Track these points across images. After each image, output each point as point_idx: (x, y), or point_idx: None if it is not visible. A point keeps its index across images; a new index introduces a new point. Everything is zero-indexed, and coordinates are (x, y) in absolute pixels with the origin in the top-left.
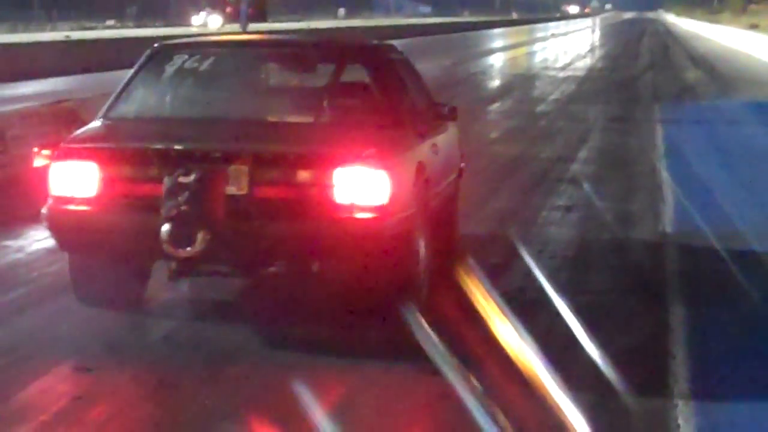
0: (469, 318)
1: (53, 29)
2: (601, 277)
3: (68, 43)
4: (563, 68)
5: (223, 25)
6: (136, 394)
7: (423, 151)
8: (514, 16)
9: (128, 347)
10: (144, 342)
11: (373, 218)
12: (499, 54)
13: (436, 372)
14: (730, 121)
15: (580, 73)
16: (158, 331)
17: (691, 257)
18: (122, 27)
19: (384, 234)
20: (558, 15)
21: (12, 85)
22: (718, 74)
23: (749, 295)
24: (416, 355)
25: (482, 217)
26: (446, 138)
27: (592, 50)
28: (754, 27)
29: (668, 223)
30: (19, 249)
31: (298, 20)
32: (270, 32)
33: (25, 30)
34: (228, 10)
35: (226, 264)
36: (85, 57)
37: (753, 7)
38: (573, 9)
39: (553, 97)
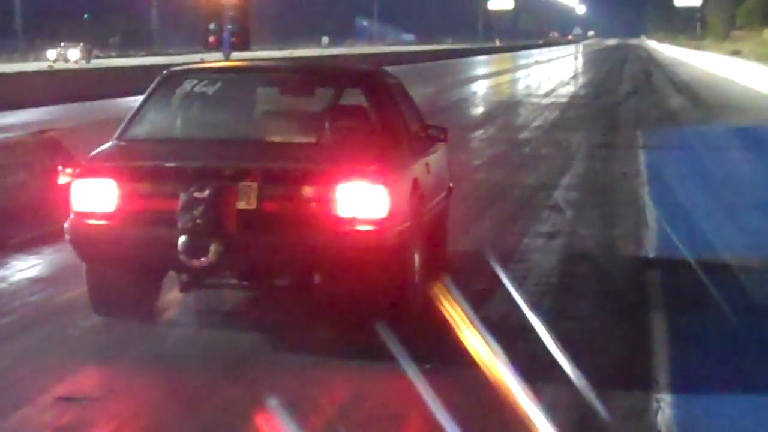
0: (451, 342)
1: (36, 59)
2: (584, 302)
3: (51, 73)
4: (546, 95)
5: (79, 60)
6: (125, 421)
7: (417, 169)
8: (498, 43)
9: (115, 378)
10: (133, 367)
11: (373, 230)
12: (482, 81)
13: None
14: (712, 147)
15: (563, 100)
16: (144, 351)
17: (673, 283)
18: (105, 57)
19: (383, 245)
20: (541, 42)
21: None
22: (701, 100)
23: (732, 321)
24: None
25: (466, 244)
26: (437, 157)
27: (575, 77)
28: (736, 53)
29: (651, 248)
30: (2, 279)
31: (281, 48)
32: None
33: (8, 59)
34: (211, 39)
35: (236, 274)
36: (67, 86)
37: (735, 33)
38: (556, 36)
39: (536, 123)
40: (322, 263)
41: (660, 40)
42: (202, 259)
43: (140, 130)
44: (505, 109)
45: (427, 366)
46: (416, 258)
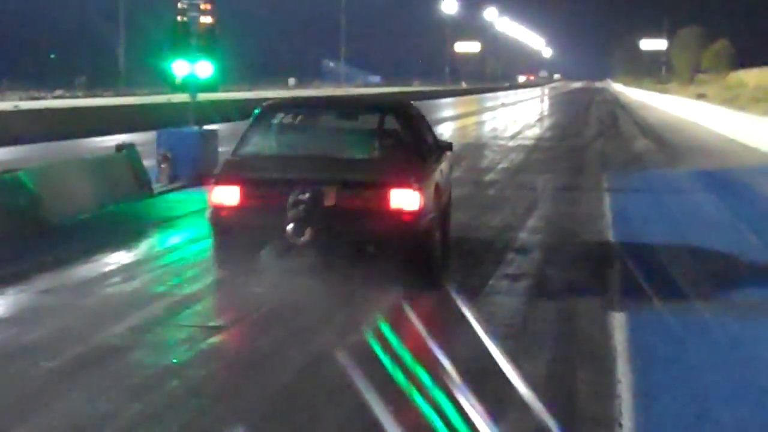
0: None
1: (2, 99)
2: (549, 345)
3: (17, 113)
4: (512, 137)
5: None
6: None
7: (436, 175)
8: (464, 85)
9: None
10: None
11: (412, 219)
12: (448, 123)
13: None
14: (676, 190)
15: (528, 142)
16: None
17: (638, 326)
18: (71, 97)
19: (418, 228)
20: (507, 84)
21: None
22: (666, 143)
23: (698, 366)
24: None
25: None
26: (446, 164)
27: (541, 119)
28: (701, 97)
29: (616, 291)
30: None
31: (248, 89)
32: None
33: None
34: (178, 80)
35: (320, 249)
36: (33, 126)
37: (700, 76)
38: (522, 79)
39: (501, 165)
40: (379, 239)
41: (626, 83)
42: (301, 238)
43: (248, 149)
44: (471, 151)
45: None
46: (437, 236)
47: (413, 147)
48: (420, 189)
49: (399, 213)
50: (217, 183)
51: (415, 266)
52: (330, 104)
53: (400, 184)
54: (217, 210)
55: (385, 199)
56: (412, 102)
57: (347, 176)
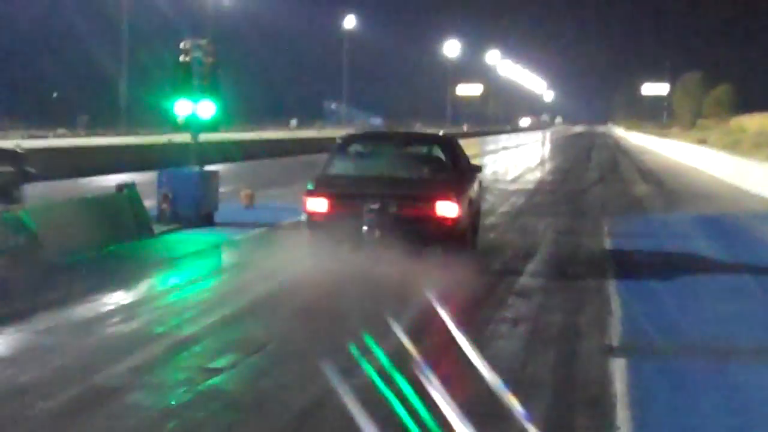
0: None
1: (4, 137)
2: (548, 391)
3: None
4: (513, 181)
5: None
6: None
7: (470, 192)
8: (465, 128)
9: None
10: None
11: (453, 223)
12: None
13: None
14: (676, 235)
15: (529, 186)
16: None
17: (637, 372)
18: (73, 136)
19: (457, 228)
20: (509, 128)
21: None
22: (667, 188)
23: (699, 409)
24: None
25: (432, 330)
26: (477, 183)
27: (542, 163)
28: (702, 142)
29: (615, 336)
30: None
31: (250, 130)
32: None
33: None
34: (179, 120)
35: (387, 244)
36: (34, 165)
37: (701, 121)
38: (524, 122)
39: (502, 209)
40: (430, 237)
41: (627, 128)
42: (373, 237)
43: (332, 170)
44: None
45: None
46: (469, 233)
47: (453, 169)
48: (458, 201)
49: (444, 219)
50: (311, 195)
51: (454, 253)
52: (391, 137)
53: (444, 198)
54: (311, 215)
55: (433, 208)
56: (451, 135)
57: (405, 192)
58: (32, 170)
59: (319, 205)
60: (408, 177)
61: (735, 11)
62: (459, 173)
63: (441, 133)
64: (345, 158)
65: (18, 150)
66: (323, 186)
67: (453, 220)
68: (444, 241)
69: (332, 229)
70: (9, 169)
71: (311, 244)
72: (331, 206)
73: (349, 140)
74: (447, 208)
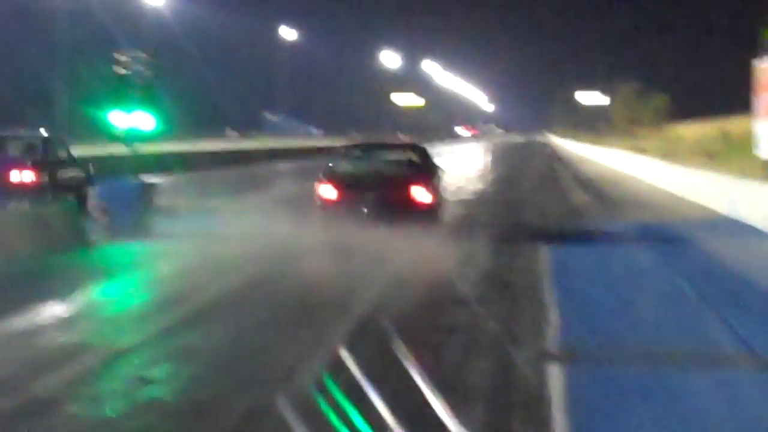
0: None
1: None
2: (485, 399)
3: None
4: (453, 193)
5: None
6: None
7: (437, 182)
8: (401, 137)
9: None
10: None
11: (428, 205)
12: None
13: None
14: (613, 242)
15: (467, 197)
16: None
17: (574, 377)
18: None
19: (431, 208)
20: (447, 137)
21: None
22: (605, 197)
23: (637, 413)
24: None
25: (367, 341)
26: (440, 174)
27: (480, 172)
28: (642, 151)
29: (552, 342)
30: None
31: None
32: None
33: None
34: (117, 132)
35: (379, 219)
36: None
37: (638, 130)
38: (461, 131)
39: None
40: (412, 215)
41: (565, 136)
42: (370, 214)
43: (338, 167)
44: None
45: None
46: (438, 212)
47: (424, 168)
48: (430, 189)
49: (421, 203)
50: (322, 182)
51: (428, 224)
52: (380, 145)
53: (421, 187)
54: (322, 199)
55: (413, 195)
56: (419, 143)
57: (392, 183)
58: None
59: (328, 192)
60: (393, 173)
61: (669, 18)
62: (429, 170)
63: (416, 142)
64: (347, 158)
65: None
66: (331, 176)
67: (427, 203)
68: (421, 217)
69: (338, 210)
70: None
71: (322, 223)
72: (338, 193)
73: (349, 147)
74: (422, 195)
